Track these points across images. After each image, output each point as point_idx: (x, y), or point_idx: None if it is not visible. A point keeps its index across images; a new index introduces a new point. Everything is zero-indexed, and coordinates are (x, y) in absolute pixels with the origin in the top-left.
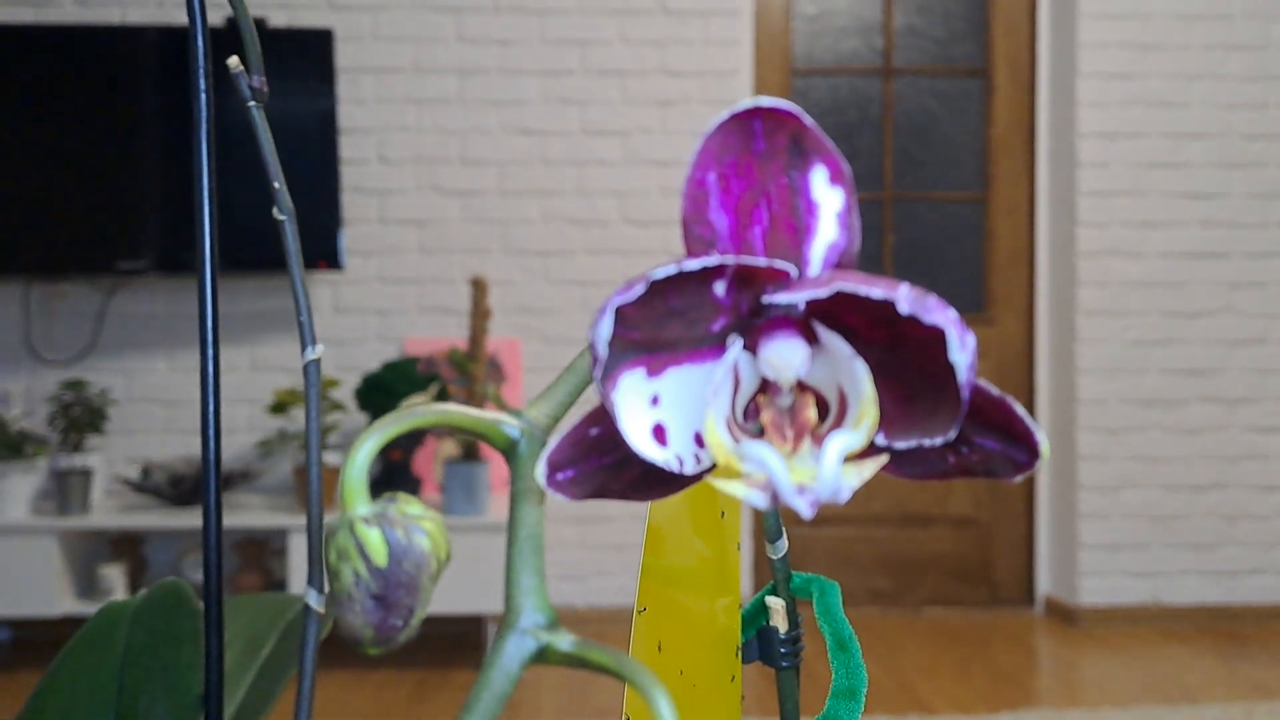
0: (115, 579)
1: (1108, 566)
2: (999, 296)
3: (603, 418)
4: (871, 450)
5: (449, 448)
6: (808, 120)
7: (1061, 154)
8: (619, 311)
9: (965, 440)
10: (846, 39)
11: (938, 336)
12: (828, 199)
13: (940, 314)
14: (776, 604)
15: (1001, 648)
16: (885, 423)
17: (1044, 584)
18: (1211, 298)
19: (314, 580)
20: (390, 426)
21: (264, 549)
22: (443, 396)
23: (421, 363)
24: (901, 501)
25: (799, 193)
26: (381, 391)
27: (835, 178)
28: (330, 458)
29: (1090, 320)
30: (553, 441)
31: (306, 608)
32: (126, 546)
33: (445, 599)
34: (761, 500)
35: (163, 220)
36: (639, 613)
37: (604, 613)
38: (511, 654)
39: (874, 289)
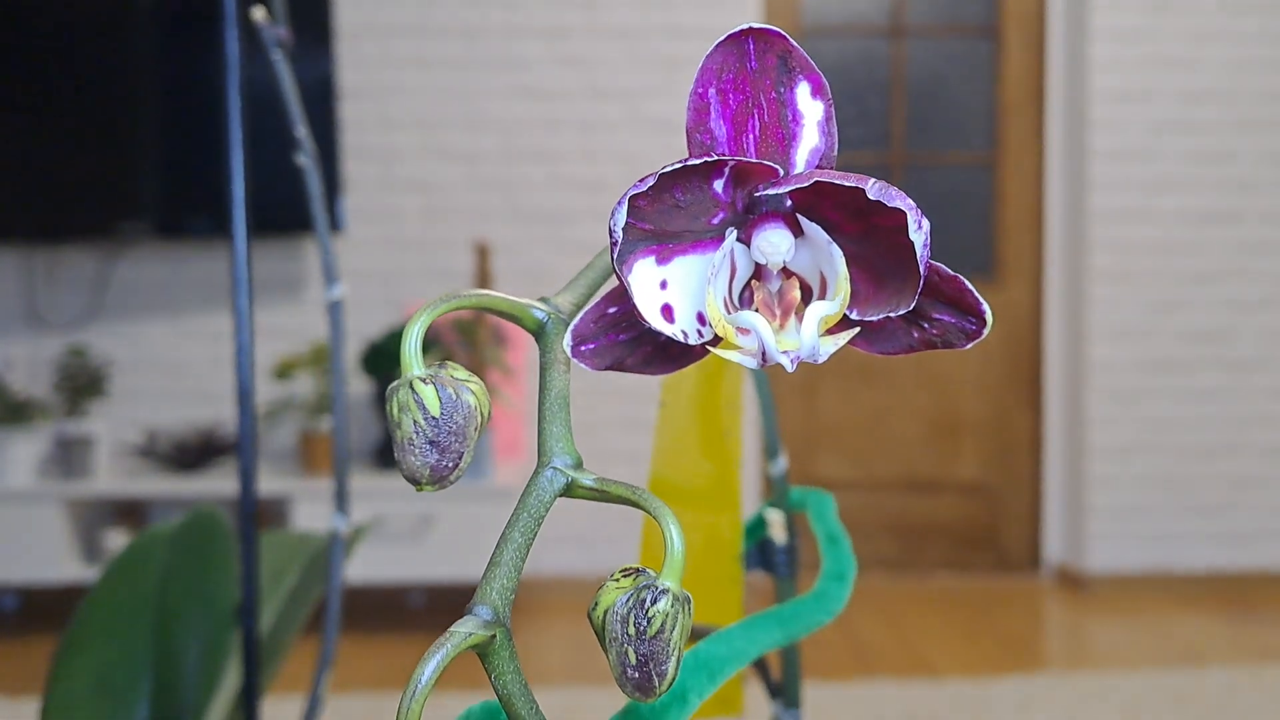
0: (120, 545)
1: (1117, 531)
2: (1009, 260)
3: (620, 298)
4: (846, 324)
5: None
6: (793, 41)
7: (1073, 115)
8: (632, 202)
9: (925, 317)
10: None
11: (900, 223)
12: (811, 109)
13: (901, 200)
14: (775, 517)
15: (1009, 613)
16: (858, 301)
17: (1053, 549)
18: (1224, 261)
19: (341, 508)
20: (437, 307)
21: (268, 515)
22: (445, 362)
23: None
24: (909, 467)
25: (786, 104)
26: (384, 357)
27: (817, 91)
28: (331, 424)
29: (1101, 284)
30: (578, 316)
31: (335, 533)
32: (131, 512)
33: (452, 564)
34: (753, 362)
35: (162, 182)
36: (646, 522)
37: None
38: (544, 485)
39: (847, 180)
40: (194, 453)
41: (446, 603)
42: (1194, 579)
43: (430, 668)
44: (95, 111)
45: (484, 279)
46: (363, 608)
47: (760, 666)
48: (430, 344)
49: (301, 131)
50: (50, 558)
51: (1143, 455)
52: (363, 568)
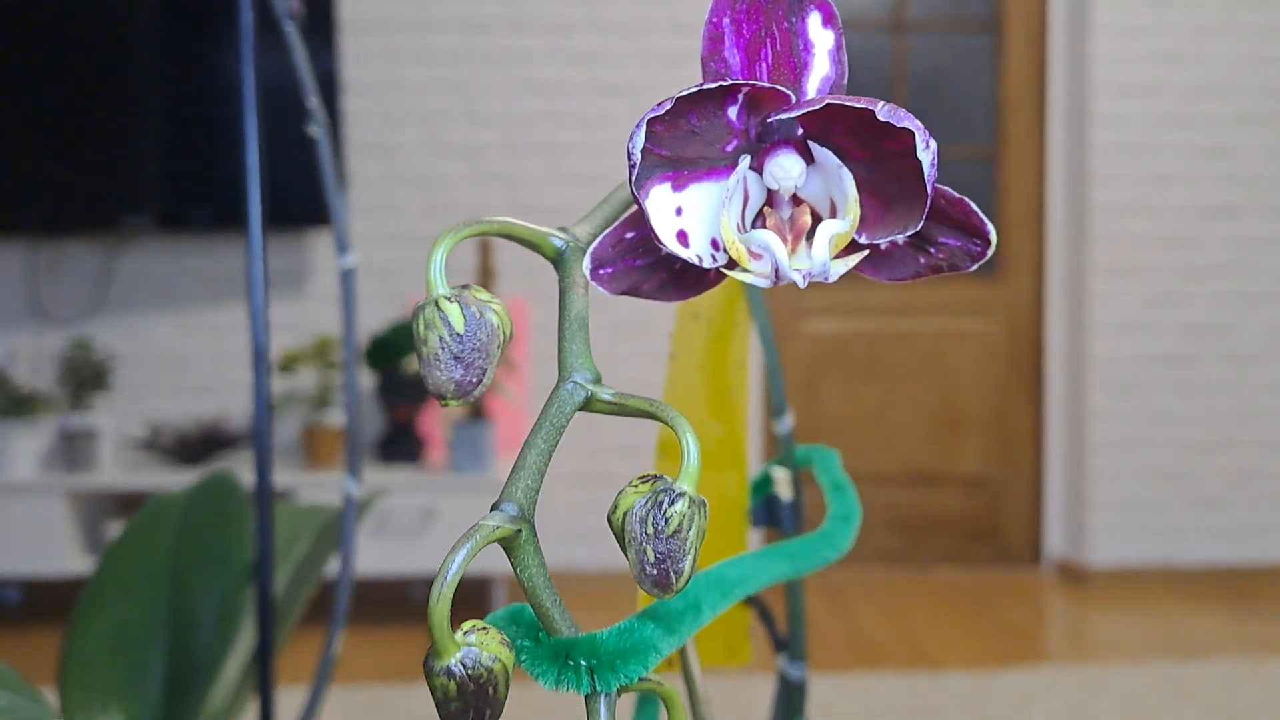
0: None
1: (1118, 525)
2: (1011, 254)
3: (638, 223)
4: (855, 248)
5: (455, 408)
6: None
7: (1074, 110)
8: (650, 126)
9: (932, 241)
10: None
11: (909, 146)
12: (821, 39)
13: (910, 121)
14: (781, 474)
15: (1010, 607)
16: (866, 225)
17: (1054, 543)
18: (1225, 255)
19: (354, 471)
20: (460, 231)
21: None
22: None
23: None
24: (911, 461)
25: (798, 34)
26: (388, 350)
27: (828, 20)
28: (333, 417)
29: (1103, 278)
30: (596, 241)
31: (348, 496)
32: (134, 505)
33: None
34: (765, 281)
35: (164, 175)
36: (660, 441)
37: (610, 575)
38: (565, 396)
39: (857, 102)
40: (197, 446)
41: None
42: (1195, 573)
43: (460, 556)
44: (98, 105)
45: (486, 273)
46: (365, 601)
47: (767, 621)
48: None
49: (313, 102)
50: (53, 550)
51: (1144, 449)
52: (365, 561)
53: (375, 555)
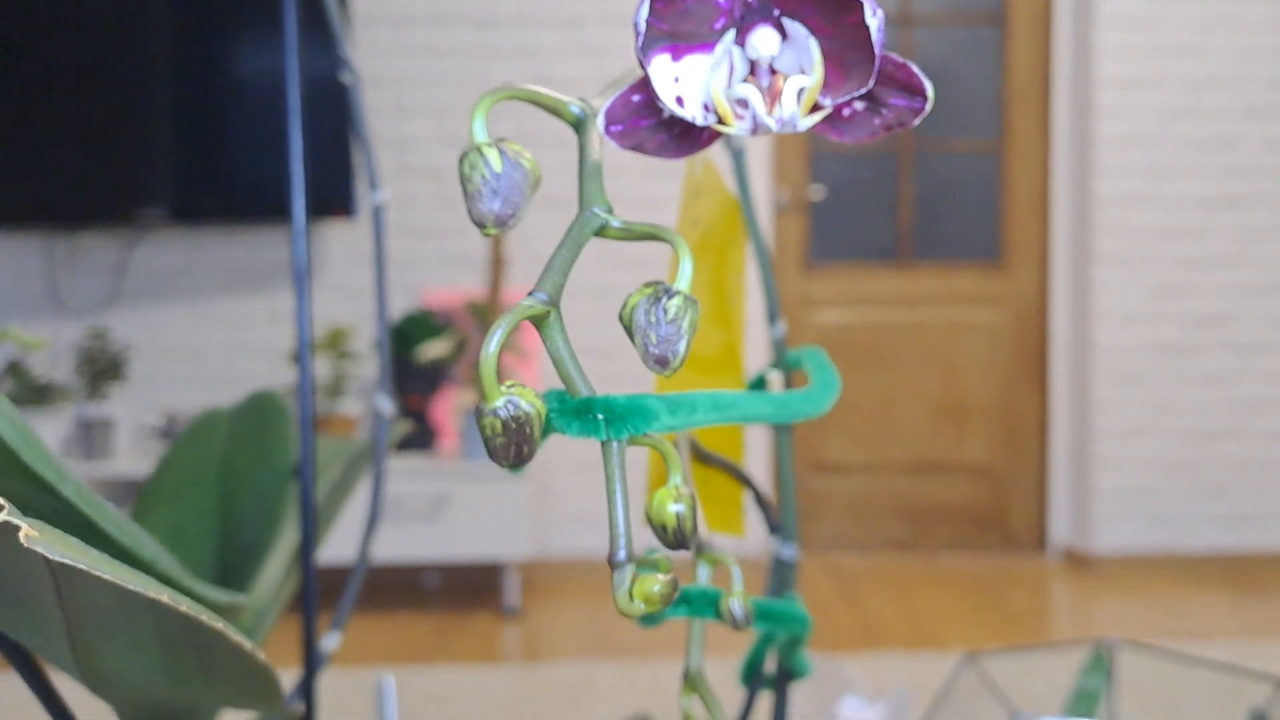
0: None
1: (1122, 513)
2: (1015, 245)
3: (643, 88)
4: (820, 109)
5: (468, 398)
6: None
7: (1079, 102)
8: (652, 2)
9: (883, 103)
10: None
11: (861, 17)
12: None
13: None
14: (775, 376)
15: (1015, 592)
16: (830, 88)
17: (1059, 531)
18: (1229, 246)
19: (385, 389)
20: (495, 94)
21: None
22: (461, 345)
23: (440, 314)
24: (917, 451)
25: None
26: (402, 340)
27: None
28: (348, 406)
29: (1107, 269)
30: (607, 101)
31: (378, 414)
32: None
33: (465, 545)
34: (746, 129)
35: (178, 168)
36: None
37: None
38: (584, 223)
39: None
40: None
41: (461, 582)
42: (1198, 559)
43: (505, 323)
44: (114, 99)
45: (497, 264)
46: (378, 587)
47: (762, 506)
48: (444, 326)
49: (345, 51)
50: None
51: (1148, 438)
52: (378, 547)
53: (388, 542)
